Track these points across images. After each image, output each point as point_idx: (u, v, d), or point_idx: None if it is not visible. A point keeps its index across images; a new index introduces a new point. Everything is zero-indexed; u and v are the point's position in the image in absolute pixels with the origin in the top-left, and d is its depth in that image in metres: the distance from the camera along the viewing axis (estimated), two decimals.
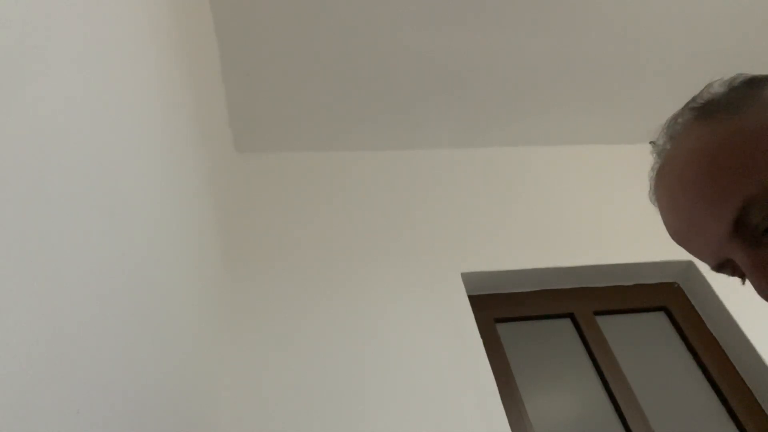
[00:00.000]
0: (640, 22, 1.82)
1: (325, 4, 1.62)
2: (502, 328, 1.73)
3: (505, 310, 1.78)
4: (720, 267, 0.50)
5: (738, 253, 0.46)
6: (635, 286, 1.89)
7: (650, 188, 0.54)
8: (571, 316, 1.80)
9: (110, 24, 0.81)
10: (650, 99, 2.07)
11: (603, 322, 1.79)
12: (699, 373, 1.72)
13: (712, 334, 1.78)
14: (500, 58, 1.84)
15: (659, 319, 1.85)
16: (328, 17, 1.65)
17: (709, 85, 0.51)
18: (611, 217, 1.93)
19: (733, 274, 0.49)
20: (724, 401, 1.64)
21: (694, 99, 0.51)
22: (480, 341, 1.56)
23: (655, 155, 0.53)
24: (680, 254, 0.53)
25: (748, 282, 0.49)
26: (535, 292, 1.83)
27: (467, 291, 1.70)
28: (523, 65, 1.88)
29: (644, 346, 1.77)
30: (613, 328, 1.78)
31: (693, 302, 1.86)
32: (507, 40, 1.79)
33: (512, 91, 1.97)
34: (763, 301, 0.47)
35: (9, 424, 0.48)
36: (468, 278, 1.73)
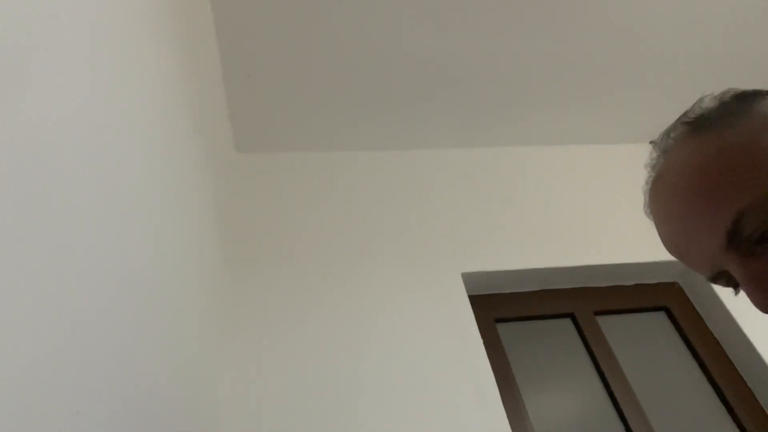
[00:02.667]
0: (639, 23, 1.82)
1: (326, 4, 1.62)
2: (502, 328, 1.73)
3: (506, 310, 1.78)
4: (715, 278, 0.50)
5: (732, 264, 0.47)
6: (635, 286, 1.89)
7: (645, 202, 0.55)
8: (572, 316, 1.80)
9: (110, 24, 0.81)
10: (649, 99, 2.07)
11: (603, 322, 1.79)
12: (699, 373, 1.72)
13: (712, 333, 1.78)
14: (500, 59, 1.84)
15: (659, 319, 1.85)
16: (329, 18, 1.65)
17: (700, 100, 0.52)
18: (611, 217, 1.93)
19: (727, 285, 0.50)
20: (724, 401, 1.64)
21: (685, 114, 0.52)
22: (480, 341, 1.56)
23: (649, 169, 0.54)
24: None
25: (742, 292, 0.49)
26: (536, 292, 1.83)
27: (467, 291, 1.70)
28: (522, 65, 1.88)
29: (644, 346, 1.77)
30: (614, 328, 1.78)
31: (693, 302, 1.86)
32: (506, 40, 1.79)
33: (512, 91, 1.97)
34: None
35: (9, 424, 0.48)
36: (468, 278, 1.73)
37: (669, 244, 0.52)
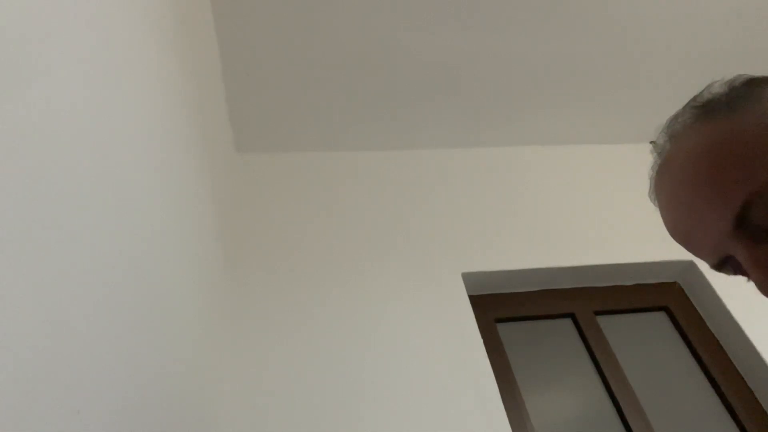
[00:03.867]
0: (639, 22, 1.82)
1: (326, 4, 1.62)
2: (502, 328, 1.73)
3: (506, 310, 1.78)
4: (720, 265, 0.50)
5: (740, 250, 0.46)
6: (636, 285, 1.89)
7: (650, 187, 0.55)
8: (572, 316, 1.80)
9: (110, 24, 0.81)
10: (650, 99, 2.07)
11: (603, 322, 1.79)
12: (700, 373, 1.72)
13: (712, 333, 1.78)
14: (500, 59, 1.84)
15: (660, 319, 1.85)
16: (329, 17, 1.65)
17: (710, 86, 0.51)
18: (611, 217, 1.93)
19: (734, 273, 0.49)
20: (724, 401, 1.64)
21: (694, 99, 0.52)
22: (480, 341, 1.56)
23: (655, 154, 0.54)
24: (681, 254, 0.53)
25: (749, 281, 0.49)
26: (536, 292, 1.83)
27: (468, 291, 1.70)
28: (522, 65, 1.88)
29: (645, 346, 1.77)
30: (614, 328, 1.78)
31: (694, 302, 1.86)
32: (507, 40, 1.79)
33: (512, 91, 1.97)
34: (764, 301, 0.47)
35: (9, 424, 0.48)
36: (468, 278, 1.73)
37: (674, 231, 0.51)
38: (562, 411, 1.61)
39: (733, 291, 1.72)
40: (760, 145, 0.44)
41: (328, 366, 1.47)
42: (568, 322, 1.80)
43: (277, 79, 1.79)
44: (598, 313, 1.81)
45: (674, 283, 1.91)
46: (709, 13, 1.84)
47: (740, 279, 0.50)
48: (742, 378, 1.67)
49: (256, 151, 2.00)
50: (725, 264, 0.49)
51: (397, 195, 1.94)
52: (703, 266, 0.61)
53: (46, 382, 0.55)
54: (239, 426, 1.35)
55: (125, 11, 0.88)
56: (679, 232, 0.51)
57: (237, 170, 1.92)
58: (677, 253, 0.54)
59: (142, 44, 0.96)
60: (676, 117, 0.52)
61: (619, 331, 1.78)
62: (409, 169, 2.03)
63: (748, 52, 1.99)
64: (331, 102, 1.90)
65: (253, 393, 1.41)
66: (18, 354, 0.50)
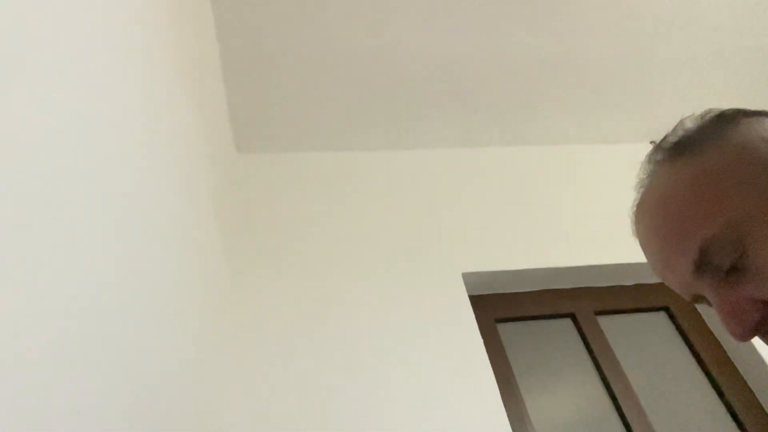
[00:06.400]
0: (640, 22, 1.82)
1: (326, 4, 1.62)
2: (502, 328, 1.73)
3: (506, 310, 1.78)
4: (696, 301, 0.51)
5: (706, 291, 0.47)
6: (636, 285, 1.89)
7: (632, 224, 0.56)
8: (572, 316, 1.80)
9: (109, 24, 0.81)
10: (651, 99, 2.07)
11: (604, 321, 1.79)
12: (700, 373, 1.71)
13: (713, 333, 1.78)
14: (500, 59, 1.84)
15: (660, 319, 1.85)
16: (329, 17, 1.65)
17: (681, 123, 0.53)
18: (612, 217, 1.92)
19: (711, 306, 0.51)
20: (725, 401, 1.64)
21: (665, 137, 0.53)
22: (480, 341, 1.56)
23: (635, 193, 0.56)
24: None
25: None
26: (536, 292, 1.83)
27: (468, 291, 1.70)
28: (523, 65, 1.88)
29: (645, 346, 1.77)
30: (614, 328, 1.78)
31: None
32: (507, 40, 1.79)
33: (512, 91, 1.97)
34: None
35: (9, 425, 0.48)
36: (469, 278, 1.73)
37: (652, 268, 0.53)
38: (562, 411, 1.61)
39: None
40: (715, 189, 0.45)
41: (328, 366, 1.47)
42: (568, 322, 1.80)
43: (278, 79, 1.79)
44: (598, 313, 1.81)
45: None
46: (711, 14, 1.84)
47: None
48: (743, 378, 1.67)
49: (256, 151, 2.00)
50: (701, 300, 0.50)
51: (398, 195, 1.94)
52: None
53: (46, 383, 0.55)
54: (240, 427, 1.35)
55: (124, 11, 0.88)
56: (655, 271, 0.53)
57: (237, 170, 1.92)
58: None
59: (141, 44, 0.96)
60: (651, 155, 0.54)
61: (619, 331, 1.78)
62: (409, 169, 2.03)
63: (749, 52, 1.99)
64: (331, 102, 1.90)
65: (253, 394, 1.41)
66: (18, 354, 0.50)
